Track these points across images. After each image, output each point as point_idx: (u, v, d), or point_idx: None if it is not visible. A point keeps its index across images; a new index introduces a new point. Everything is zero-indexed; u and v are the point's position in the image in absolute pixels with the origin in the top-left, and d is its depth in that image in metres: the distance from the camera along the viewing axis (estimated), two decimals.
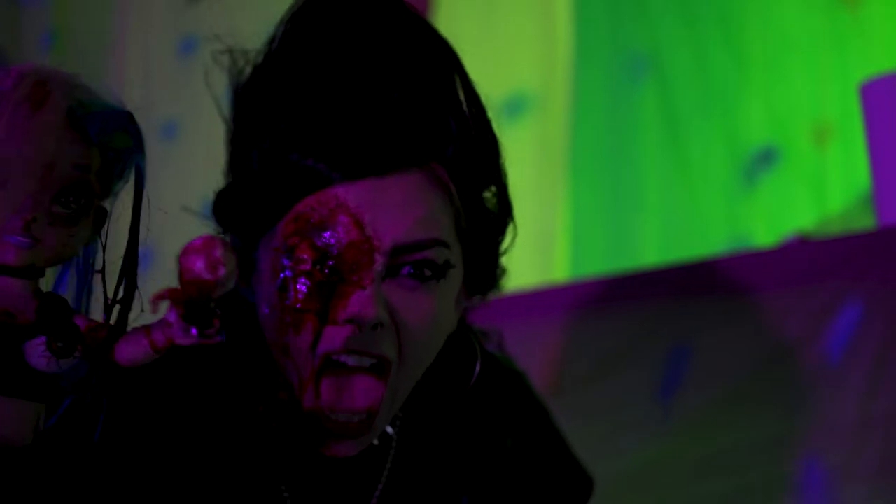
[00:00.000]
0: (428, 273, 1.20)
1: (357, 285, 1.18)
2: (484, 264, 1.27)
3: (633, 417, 1.99)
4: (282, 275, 1.20)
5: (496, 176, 1.26)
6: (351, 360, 1.20)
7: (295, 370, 1.21)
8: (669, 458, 2.00)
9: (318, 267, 1.19)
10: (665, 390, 2.05)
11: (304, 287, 1.19)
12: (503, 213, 1.27)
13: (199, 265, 1.09)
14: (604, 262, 3.29)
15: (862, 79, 2.50)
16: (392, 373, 1.21)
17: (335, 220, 1.19)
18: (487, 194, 1.26)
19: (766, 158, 3.43)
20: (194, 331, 1.06)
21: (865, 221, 3.06)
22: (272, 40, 1.26)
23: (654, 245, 3.51)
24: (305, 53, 1.23)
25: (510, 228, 1.28)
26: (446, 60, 1.24)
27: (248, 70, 1.29)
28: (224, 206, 1.30)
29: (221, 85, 1.37)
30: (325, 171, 1.19)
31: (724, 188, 3.48)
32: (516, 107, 3.56)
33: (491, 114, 1.26)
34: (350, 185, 1.19)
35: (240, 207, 1.26)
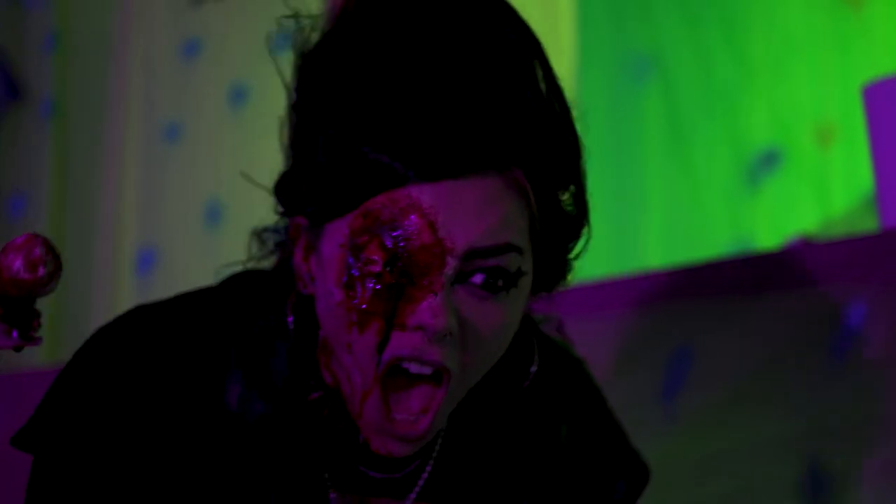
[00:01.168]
0: (500, 283, 1.16)
1: (427, 290, 1.15)
2: (554, 266, 1.23)
3: (635, 418, 1.99)
4: (349, 273, 1.16)
5: (575, 177, 1.21)
6: (414, 368, 1.16)
7: (357, 368, 1.17)
8: (672, 459, 2.00)
9: (387, 269, 1.15)
10: (667, 391, 2.05)
11: (371, 288, 1.15)
12: (579, 215, 1.22)
13: (17, 264, 1.05)
14: (606, 264, 3.29)
15: (865, 80, 2.50)
16: (450, 383, 1.17)
17: (407, 219, 1.14)
18: (565, 195, 1.21)
19: (769, 160, 3.43)
20: (15, 333, 1.03)
21: (868, 223, 3.06)
22: (344, 10, 1.21)
23: (657, 246, 3.51)
24: (382, 34, 1.17)
25: (585, 230, 1.23)
26: (531, 52, 1.19)
27: (316, 38, 1.24)
28: (287, 189, 1.23)
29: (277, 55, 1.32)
30: (399, 170, 1.14)
31: (727, 190, 3.48)
32: None
33: (573, 109, 1.21)
34: (424, 185, 1.14)
35: (304, 194, 1.20)
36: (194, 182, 4.37)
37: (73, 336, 4.33)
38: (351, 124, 1.15)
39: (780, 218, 3.40)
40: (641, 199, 3.56)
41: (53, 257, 1.01)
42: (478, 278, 1.16)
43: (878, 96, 2.41)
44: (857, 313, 1.97)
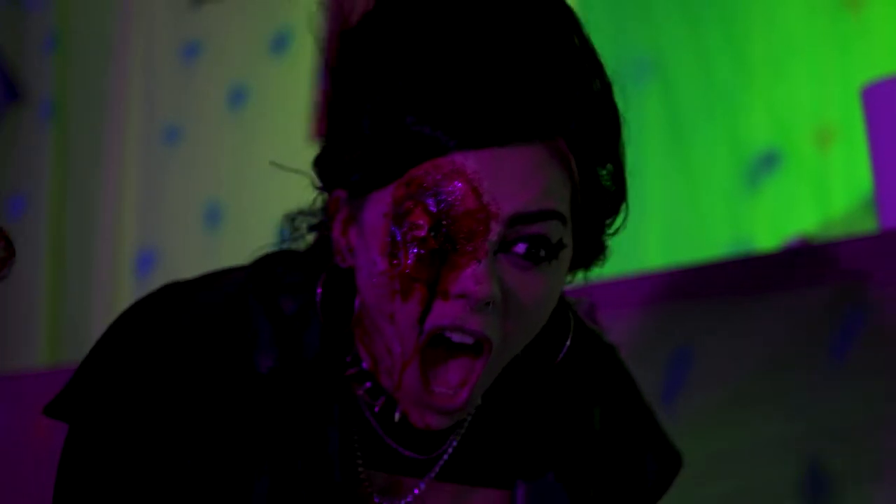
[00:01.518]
0: (542, 253, 1.16)
1: (472, 256, 1.14)
2: (591, 243, 1.23)
3: None
4: (393, 240, 1.16)
5: (615, 153, 1.21)
6: (456, 337, 1.16)
7: (398, 338, 1.17)
8: None
9: (432, 234, 1.15)
10: (667, 392, 2.05)
11: (415, 254, 1.15)
12: (618, 193, 1.22)
13: None
14: (606, 264, 3.29)
15: (864, 82, 2.50)
16: (491, 354, 1.17)
17: (451, 185, 1.14)
18: (603, 172, 1.20)
19: (768, 161, 3.43)
20: None
21: (868, 224, 3.06)
22: None
23: (656, 247, 3.51)
24: (426, 6, 1.18)
25: (623, 209, 1.23)
26: (573, 27, 1.19)
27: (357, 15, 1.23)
28: (327, 162, 1.22)
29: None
30: (442, 140, 1.14)
31: (726, 191, 3.48)
32: None
33: (615, 87, 1.21)
34: (468, 152, 1.14)
35: (346, 165, 1.20)
36: (194, 183, 4.37)
37: (73, 337, 4.33)
38: (394, 95, 1.15)
39: (779, 219, 3.40)
40: (641, 199, 3.56)
41: (6, 245, 1.01)
42: (520, 247, 1.16)
43: (877, 97, 2.41)
44: (856, 314, 1.97)
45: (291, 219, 1.29)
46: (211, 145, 4.36)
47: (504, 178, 1.14)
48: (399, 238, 1.16)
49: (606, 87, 1.20)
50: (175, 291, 1.26)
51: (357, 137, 1.18)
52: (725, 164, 3.49)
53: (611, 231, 1.24)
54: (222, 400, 1.21)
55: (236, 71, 4.32)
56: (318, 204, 1.27)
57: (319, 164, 1.23)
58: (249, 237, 3.86)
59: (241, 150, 4.27)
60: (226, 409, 1.21)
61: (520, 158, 1.15)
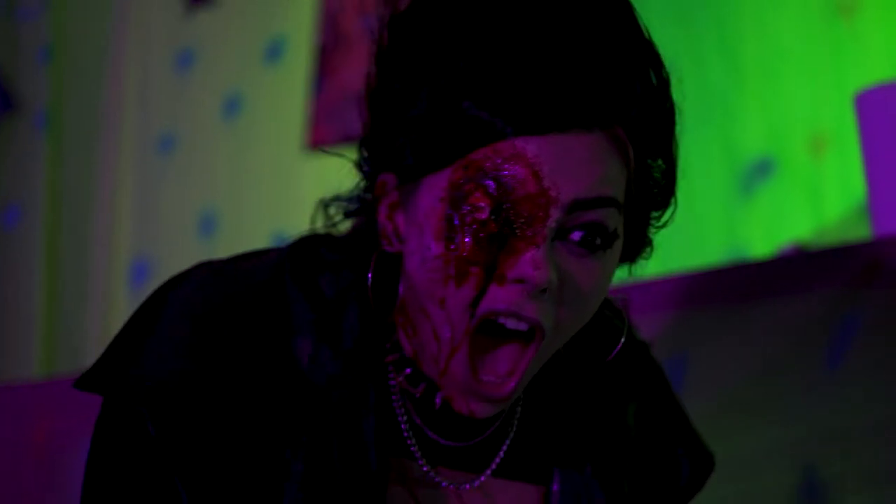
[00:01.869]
0: (598, 241, 1.15)
1: (530, 242, 1.13)
2: (638, 236, 1.23)
3: None
4: (450, 224, 1.14)
5: (669, 146, 1.23)
6: (510, 323, 1.15)
7: (448, 324, 1.16)
8: None
9: (492, 217, 1.14)
10: None
11: (473, 237, 1.14)
12: (668, 187, 1.23)
13: None
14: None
15: (858, 88, 2.51)
16: (542, 342, 1.16)
17: (512, 169, 1.13)
18: (655, 164, 1.22)
19: (762, 168, 3.43)
20: None
21: (861, 231, 3.06)
22: None
23: (650, 255, 3.51)
24: None
25: (672, 203, 1.24)
26: (634, 18, 1.19)
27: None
28: (376, 145, 1.20)
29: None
30: (499, 126, 1.13)
31: (721, 198, 3.48)
32: None
33: (672, 79, 1.21)
34: (529, 137, 1.13)
35: (397, 148, 1.18)
36: (188, 192, 4.37)
37: (68, 347, 4.32)
38: (452, 79, 1.14)
39: (773, 226, 3.40)
40: None
41: None
42: (577, 235, 1.15)
43: (870, 104, 2.42)
44: (851, 320, 1.97)
45: (326, 204, 1.26)
46: (205, 154, 4.36)
47: (564, 165, 1.13)
48: (456, 221, 1.14)
49: (665, 81, 1.21)
50: (209, 268, 1.25)
51: (411, 121, 1.16)
52: (719, 171, 3.49)
53: (658, 224, 1.24)
54: (258, 383, 1.18)
55: (231, 80, 4.32)
56: (360, 188, 1.24)
57: (367, 146, 1.22)
58: (244, 245, 3.86)
59: (235, 158, 4.27)
60: (262, 393, 1.18)
61: (580, 145, 1.14)
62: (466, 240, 1.14)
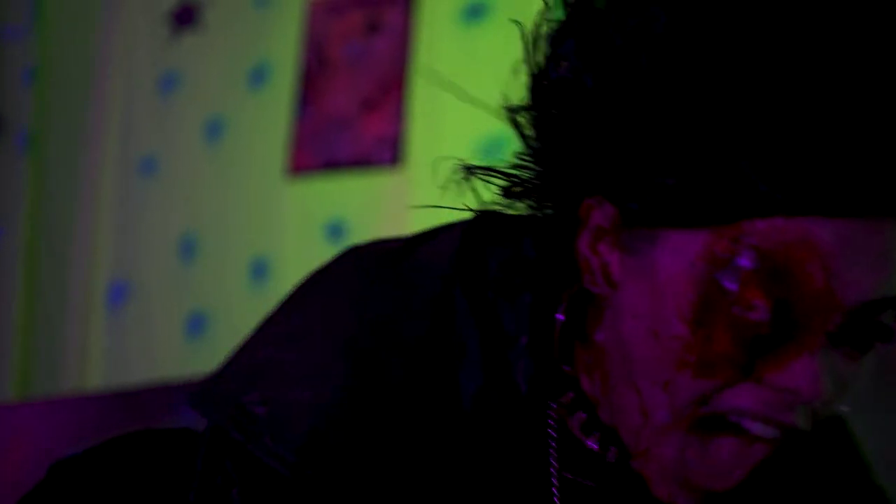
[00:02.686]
0: (878, 344, 0.97)
1: (804, 347, 0.94)
2: None
3: None
4: (707, 309, 0.93)
5: None
6: (756, 428, 0.96)
7: (669, 410, 0.95)
8: None
9: (768, 321, 0.93)
10: None
11: (735, 335, 0.94)
12: None
13: None
14: None
15: None
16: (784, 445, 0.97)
17: (801, 264, 0.91)
18: None
19: None
20: None
21: None
22: None
23: None
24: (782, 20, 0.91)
25: None
26: None
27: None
28: (600, 159, 0.95)
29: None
30: (767, 195, 0.90)
31: None
32: None
33: None
34: (823, 219, 0.90)
35: (631, 179, 0.93)
36: (169, 215, 4.36)
37: (45, 369, 4.31)
38: (735, 126, 0.90)
39: None
40: None
41: None
42: (854, 335, 0.96)
43: None
44: None
45: (469, 170, 1.04)
46: (187, 177, 4.35)
47: (857, 259, 0.92)
48: (714, 309, 0.93)
49: None
50: (373, 259, 1.06)
51: (670, 161, 0.92)
52: None
53: None
54: (420, 425, 0.99)
55: (213, 103, 4.32)
56: (532, 192, 1.02)
57: (572, 153, 0.97)
58: (225, 270, 3.85)
59: (217, 182, 4.26)
60: (423, 436, 0.99)
61: (879, 235, 0.92)
62: (725, 335, 0.94)
